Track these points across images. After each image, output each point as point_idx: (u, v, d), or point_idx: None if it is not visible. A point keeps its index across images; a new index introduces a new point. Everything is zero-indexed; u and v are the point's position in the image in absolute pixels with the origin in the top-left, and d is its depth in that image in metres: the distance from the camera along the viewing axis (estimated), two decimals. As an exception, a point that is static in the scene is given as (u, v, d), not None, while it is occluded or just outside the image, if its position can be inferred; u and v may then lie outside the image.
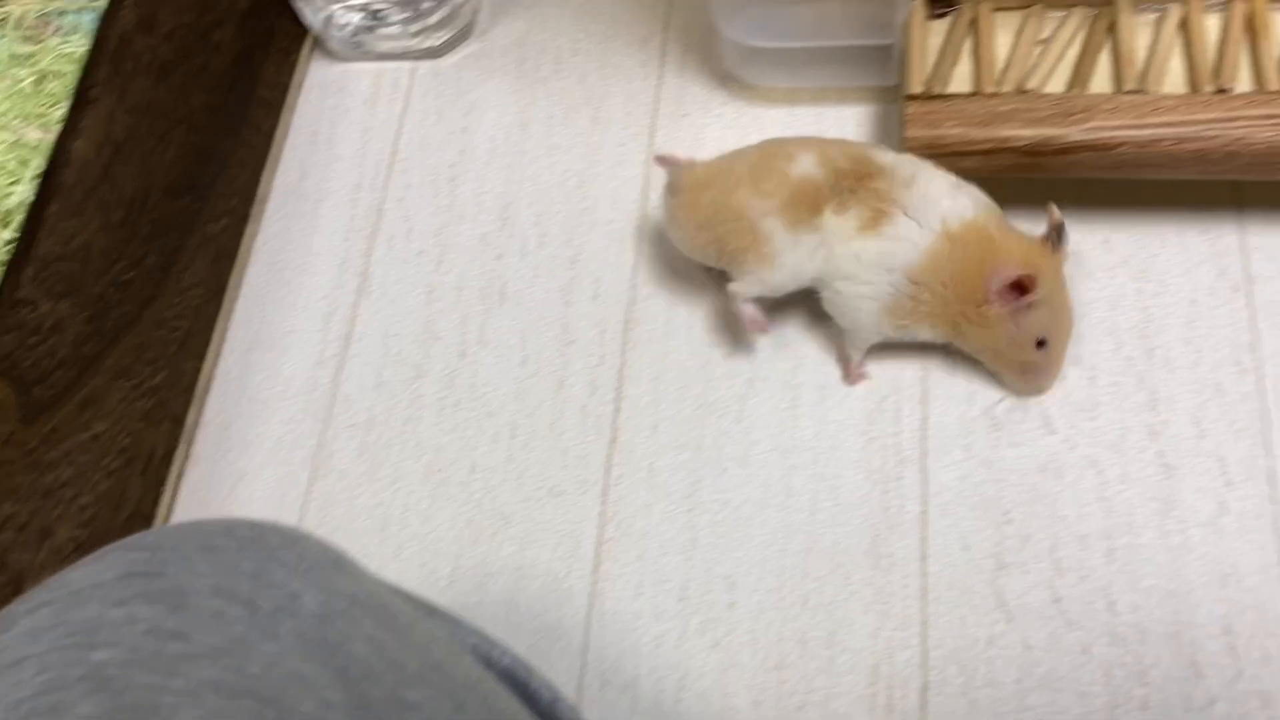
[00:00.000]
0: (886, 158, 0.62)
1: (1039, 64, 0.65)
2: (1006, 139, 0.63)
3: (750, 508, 0.65)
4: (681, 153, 0.67)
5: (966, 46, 0.67)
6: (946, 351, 0.66)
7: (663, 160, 0.67)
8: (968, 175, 0.63)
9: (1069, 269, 0.62)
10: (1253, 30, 0.64)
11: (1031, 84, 0.64)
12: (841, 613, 0.61)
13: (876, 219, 0.61)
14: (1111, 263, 0.68)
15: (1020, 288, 0.59)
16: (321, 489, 0.69)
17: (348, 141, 0.81)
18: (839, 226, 0.62)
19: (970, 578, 0.61)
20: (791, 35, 0.72)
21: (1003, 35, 0.67)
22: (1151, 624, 0.59)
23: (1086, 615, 0.59)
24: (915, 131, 0.64)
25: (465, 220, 0.76)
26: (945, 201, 0.61)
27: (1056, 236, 0.61)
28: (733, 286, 0.64)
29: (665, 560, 0.64)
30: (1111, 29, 0.65)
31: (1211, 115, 0.61)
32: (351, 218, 0.78)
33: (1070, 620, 0.59)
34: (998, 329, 0.61)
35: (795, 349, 0.69)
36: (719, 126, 0.77)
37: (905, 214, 0.61)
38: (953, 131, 0.63)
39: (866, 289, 0.62)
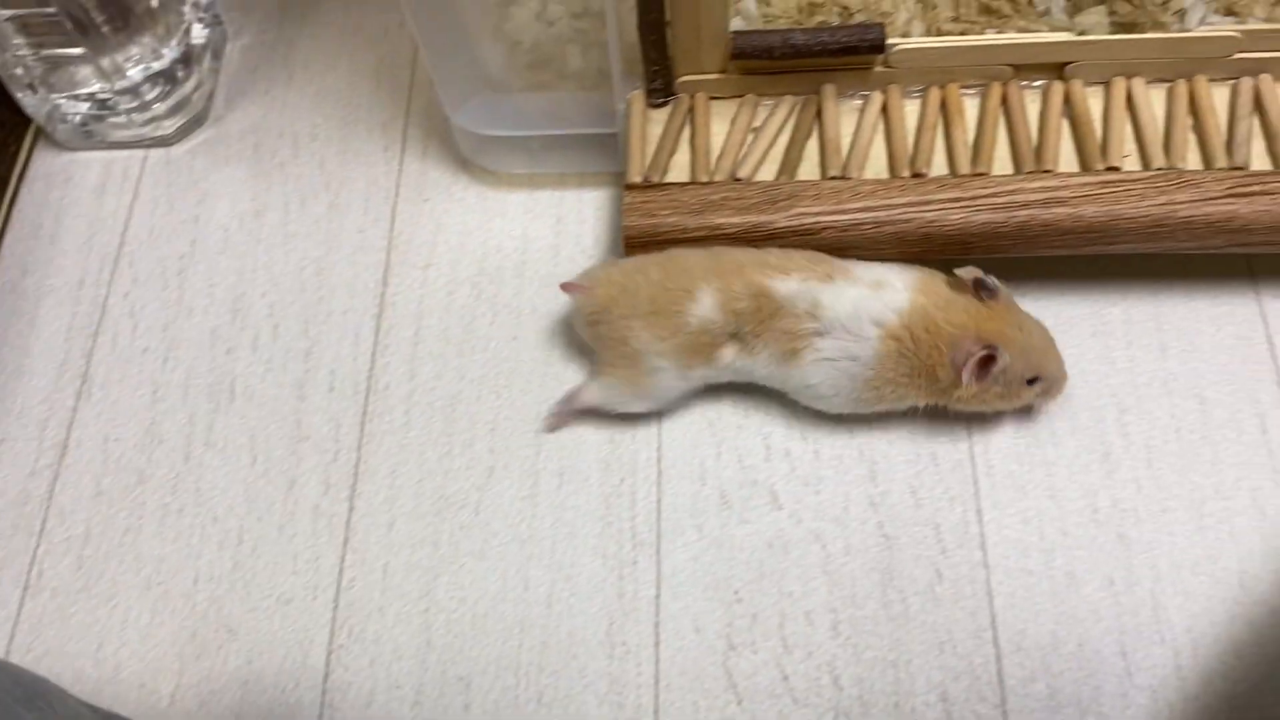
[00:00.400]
0: (787, 286, 0.61)
1: (751, 152, 0.67)
2: (718, 226, 0.64)
3: (487, 603, 0.64)
4: (582, 281, 0.66)
5: (685, 135, 0.69)
6: (683, 417, 0.67)
7: (569, 288, 0.66)
8: (687, 261, 0.64)
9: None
10: (947, 115, 0.67)
11: (743, 172, 0.66)
12: (576, 707, 0.61)
13: (794, 353, 0.62)
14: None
15: (987, 362, 0.60)
16: (33, 609, 0.64)
17: (73, 234, 0.77)
18: (750, 362, 0.63)
19: (702, 660, 0.61)
20: (520, 124, 0.72)
21: (719, 124, 0.69)
22: (874, 696, 0.60)
23: (813, 692, 0.60)
24: (632, 220, 0.65)
25: (195, 314, 0.74)
26: (871, 304, 0.61)
27: (983, 290, 0.61)
28: (592, 388, 0.66)
29: (399, 665, 0.62)
30: (819, 117, 0.68)
31: (907, 199, 0.64)
32: (73, 315, 0.74)
33: (797, 698, 0.60)
34: (987, 394, 0.62)
35: (536, 433, 0.68)
36: (460, 211, 0.77)
37: (828, 336, 0.61)
38: (668, 220, 0.65)
39: (823, 402, 0.65)
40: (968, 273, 0.62)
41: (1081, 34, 0.71)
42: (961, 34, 0.72)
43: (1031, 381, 0.63)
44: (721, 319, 0.62)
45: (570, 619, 0.63)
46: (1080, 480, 0.65)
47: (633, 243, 0.65)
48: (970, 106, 0.68)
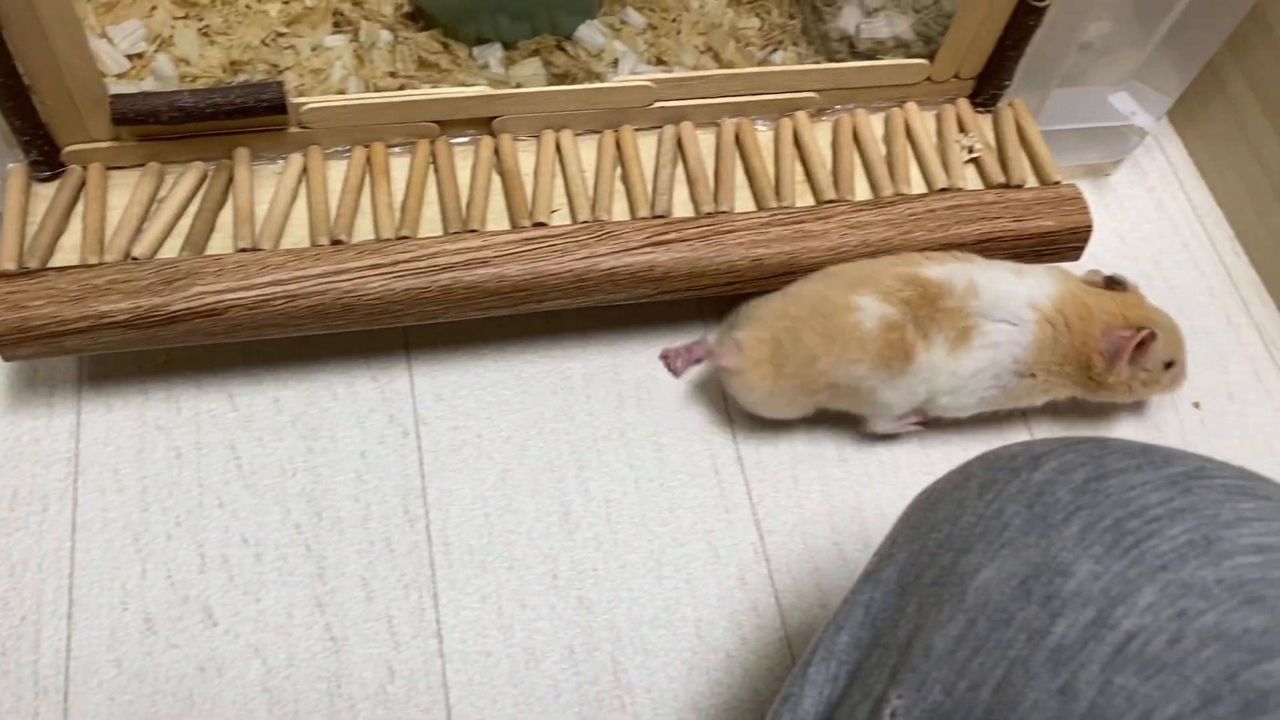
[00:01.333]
0: (934, 271, 0.61)
1: (151, 226, 0.60)
2: (105, 314, 0.56)
3: None
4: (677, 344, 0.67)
5: (78, 211, 0.60)
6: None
7: (668, 357, 0.67)
8: (73, 354, 0.56)
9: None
10: (373, 176, 0.63)
11: (140, 249, 0.59)
12: None
13: (965, 334, 0.60)
14: (281, 424, 0.64)
15: (1143, 345, 0.61)
16: None
17: None
18: (937, 359, 0.61)
19: (117, 820, 0.53)
20: None
21: (120, 196, 0.61)
22: (320, 823, 0.54)
23: (249, 831, 0.53)
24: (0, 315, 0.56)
25: None
26: (1022, 289, 0.61)
27: (1115, 283, 0.64)
28: (873, 429, 0.66)
29: None
30: (232, 183, 0.62)
31: (321, 270, 0.59)
32: None
33: (230, 843, 0.53)
34: (1134, 380, 0.63)
35: None
36: None
37: (990, 320, 0.60)
38: (43, 311, 0.56)
39: (971, 399, 0.63)
40: (1094, 275, 0.65)
41: (518, 86, 0.70)
42: (400, 89, 0.69)
43: (1169, 366, 0.64)
44: (894, 309, 0.60)
45: (-51, 799, 0.52)
46: (541, 546, 0.62)
47: (3, 341, 0.56)
48: (399, 166, 0.64)
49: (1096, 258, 0.74)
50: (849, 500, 0.66)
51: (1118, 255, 0.78)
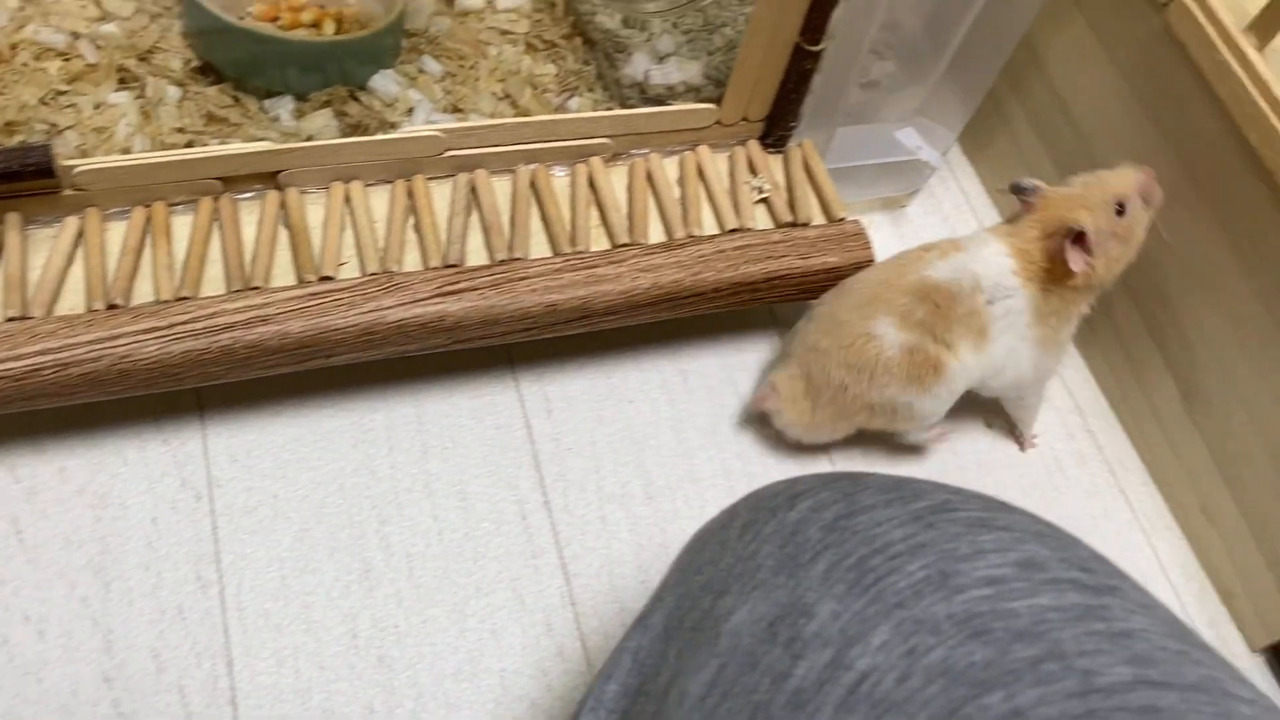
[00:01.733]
0: (940, 272, 0.63)
1: (-90, 297, 0.57)
2: None
3: None
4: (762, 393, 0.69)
5: None
6: None
7: (758, 404, 0.69)
8: None
9: None
10: (154, 237, 0.62)
11: (-103, 322, 0.56)
12: None
13: (982, 331, 0.64)
14: (67, 494, 0.62)
15: (1081, 239, 0.62)
16: None
17: None
18: (959, 361, 0.64)
19: None
20: None
21: (-123, 266, 0.58)
22: None
23: None
24: None
25: None
26: (997, 258, 0.64)
27: (1021, 191, 0.66)
28: (910, 440, 0.71)
29: None
30: (2, 250, 0.60)
31: (94, 336, 0.57)
32: None
33: None
34: (1110, 257, 0.64)
35: None
36: None
37: (997, 303, 0.63)
38: None
39: (1018, 370, 0.66)
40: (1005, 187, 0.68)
41: (309, 139, 0.69)
42: (188, 144, 0.68)
43: (1120, 209, 0.63)
44: (913, 335, 0.63)
45: None
46: (340, 605, 0.62)
47: None
48: (182, 224, 0.63)
49: (890, 288, 0.77)
50: (655, 538, 0.67)
51: (914, 284, 0.81)
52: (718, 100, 0.71)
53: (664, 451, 0.70)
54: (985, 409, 0.75)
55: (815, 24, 0.66)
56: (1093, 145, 0.76)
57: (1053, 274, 0.64)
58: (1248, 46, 0.63)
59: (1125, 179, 0.64)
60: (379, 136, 0.66)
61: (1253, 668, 0.70)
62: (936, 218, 0.86)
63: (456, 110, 0.73)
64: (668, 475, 0.69)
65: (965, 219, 0.86)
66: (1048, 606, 0.34)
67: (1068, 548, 0.38)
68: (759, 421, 0.71)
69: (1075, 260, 0.62)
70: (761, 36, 0.66)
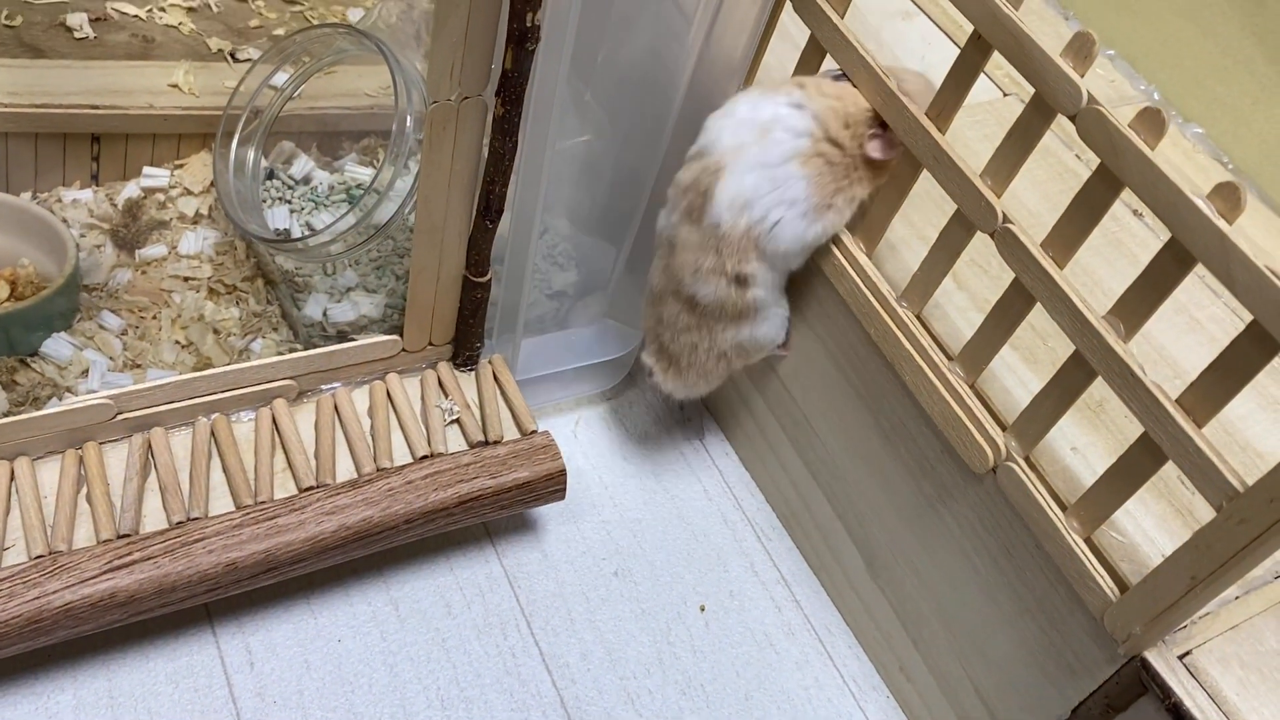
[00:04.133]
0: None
1: None
2: None
3: None
4: None
5: None
6: None
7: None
8: None
9: None
10: None
11: None
12: None
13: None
14: None
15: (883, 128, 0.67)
16: None
17: None
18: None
19: None
20: None
21: None
22: None
23: None
24: None
25: None
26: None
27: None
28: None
29: None
30: None
31: None
32: None
33: None
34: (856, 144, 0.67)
35: None
36: None
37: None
38: None
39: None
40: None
41: (-28, 415, 0.67)
42: None
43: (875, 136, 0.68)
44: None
45: None
46: None
47: None
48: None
49: (600, 478, 0.81)
50: (370, 782, 0.66)
51: (621, 473, 0.84)
52: (401, 330, 0.73)
53: (376, 689, 0.69)
54: (696, 605, 0.78)
55: (477, 259, 0.69)
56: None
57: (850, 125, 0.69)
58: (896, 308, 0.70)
59: (857, 114, 0.69)
60: (44, 411, 0.65)
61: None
62: (641, 407, 0.90)
63: (135, 367, 0.73)
64: (378, 714, 0.68)
65: (671, 405, 0.91)
66: None
67: None
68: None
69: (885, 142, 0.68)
70: (427, 274, 0.69)
